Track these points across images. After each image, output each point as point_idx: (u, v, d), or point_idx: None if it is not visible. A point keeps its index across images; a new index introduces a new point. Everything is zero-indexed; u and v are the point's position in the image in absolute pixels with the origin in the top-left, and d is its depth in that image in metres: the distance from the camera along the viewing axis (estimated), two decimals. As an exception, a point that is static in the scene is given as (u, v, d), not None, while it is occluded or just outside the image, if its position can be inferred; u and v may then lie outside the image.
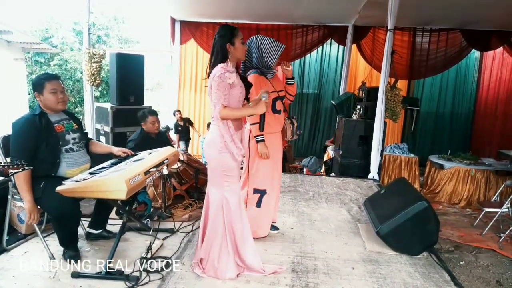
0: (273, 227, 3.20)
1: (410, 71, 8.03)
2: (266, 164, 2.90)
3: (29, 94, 11.32)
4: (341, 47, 8.42)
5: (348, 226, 3.48)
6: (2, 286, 2.26)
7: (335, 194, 4.52)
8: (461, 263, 3.64)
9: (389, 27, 4.99)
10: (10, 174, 1.88)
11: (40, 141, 2.46)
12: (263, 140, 2.82)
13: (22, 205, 2.79)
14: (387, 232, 2.94)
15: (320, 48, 8.56)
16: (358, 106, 6.10)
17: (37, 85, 2.54)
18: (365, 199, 3.83)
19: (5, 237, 2.70)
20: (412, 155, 6.35)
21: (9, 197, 2.68)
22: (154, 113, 3.81)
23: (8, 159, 2.54)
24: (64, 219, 2.46)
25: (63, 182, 2.32)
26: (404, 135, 8.46)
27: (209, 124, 7.85)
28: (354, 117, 6.05)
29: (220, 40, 2.31)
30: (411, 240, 2.91)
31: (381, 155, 5.41)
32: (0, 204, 2.81)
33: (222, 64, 2.28)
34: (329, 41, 8.35)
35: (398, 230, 2.91)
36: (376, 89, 5.41)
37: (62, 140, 2.56)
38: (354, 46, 8.01)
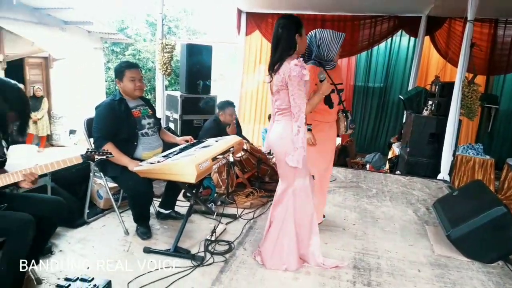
0: None
1: (490, 66, 7.32)
2: (310, 151, 2.70)
3: (106, 82, 12.19)
4: (412, 38, 7.95)
5: (415, 227, 3.31)
6: (85, 254, 2.49)
7: (401, 193, 4.33)
8: (542, 277, 3.32)
9: (469, 18, 4.63)
10: (95, 160, 2.10)
11: (120, 125, 2.65)
12: (310, 130, 2.75)
13: (101, 183, 3.05)
14: (459, 236, 2.77)
15: (389, 40, 8.17)
16: (430, 102, 5.74)
17: (118, 72, 2.75)
18: (434, 201, 3.63)
19: (86, 211, 2.96)
20: (487, 157, 5.86)
21: (91, 174, 2.91)
22: (234, 105, 3.92)
23: (91, 140, 2.77)
24: (138, 198, 2.64)
25: (139, 163, 2.49)
26: (479, 135, 7.82)
27: (269, 116, 7.95)
28: (425, 113, 5.71)
29: (287, 31, 2.23)
30: (486, 246, 2.71)
31: (454, 155, 5.07)
32: (83, 181, 3.09)
33: (295, 61, 2.18)
34: (398, 32, 7.92)
35: (471, 235, 2.73)
36: (451, 84, 5.06)
37: (139, 124, 2.75)
38: (427, 38, 7.52)
